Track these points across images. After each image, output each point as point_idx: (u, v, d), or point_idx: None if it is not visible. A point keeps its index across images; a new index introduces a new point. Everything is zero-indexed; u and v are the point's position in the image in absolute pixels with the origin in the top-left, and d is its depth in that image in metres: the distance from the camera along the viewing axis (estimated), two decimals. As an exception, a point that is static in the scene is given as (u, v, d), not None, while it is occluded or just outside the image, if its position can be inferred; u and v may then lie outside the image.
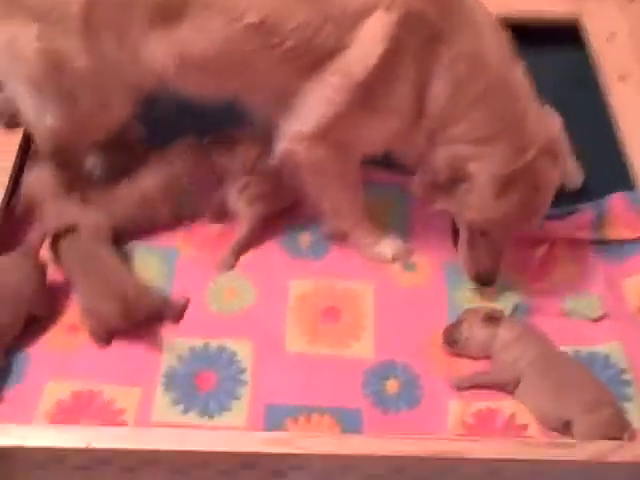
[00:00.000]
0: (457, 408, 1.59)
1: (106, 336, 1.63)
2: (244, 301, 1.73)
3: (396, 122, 1.63)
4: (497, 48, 1.61)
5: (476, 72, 1.57)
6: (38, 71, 1.61)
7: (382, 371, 1.64)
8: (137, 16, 1.54)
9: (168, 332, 1.66)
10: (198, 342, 1.65)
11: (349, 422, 1.55)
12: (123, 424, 1.52)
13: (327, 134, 1.61)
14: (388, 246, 1.82)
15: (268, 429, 1.53)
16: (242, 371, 1.61)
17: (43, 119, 1.70)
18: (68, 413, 1.53)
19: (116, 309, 1.62)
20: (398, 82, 1.57)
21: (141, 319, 1.64)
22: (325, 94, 1.58)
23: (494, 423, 1.58)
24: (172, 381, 1.59)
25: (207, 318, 1.69)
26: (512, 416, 1.58)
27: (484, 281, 1.73)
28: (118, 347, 1.63)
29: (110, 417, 1.53)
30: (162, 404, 1.56)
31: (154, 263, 1.77)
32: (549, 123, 1.67)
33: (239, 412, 1.56)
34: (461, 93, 1.58)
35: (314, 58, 1.55)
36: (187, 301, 1.70)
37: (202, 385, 1.59)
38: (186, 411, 1.55)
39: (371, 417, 1.57)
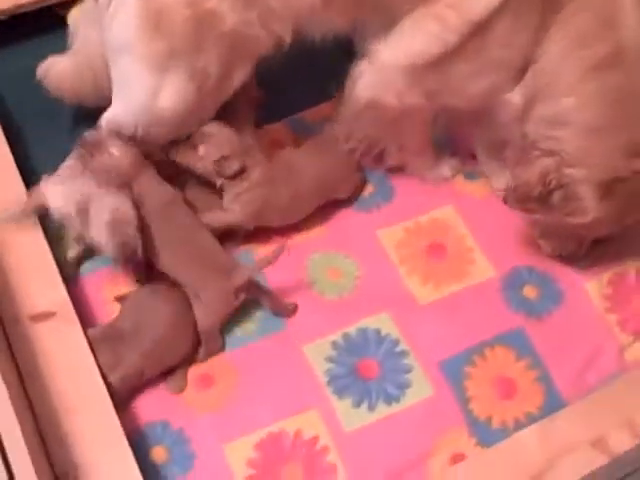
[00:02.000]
0: (592, 285, 1.63)
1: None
2: (351, 274, 1.62)
3: (502, 75, 1.46)
4: (633, 8, 1.36)
5: (603, 32, 1.36)
6: (184, 41, 1.43)
7: (514, 282, 1.63)
8: None
9: (300, 338, 1.54)
10: (336, 335, 1.54)
11: (519, 343, 1.55)
12: (326, 450, 1.42)
13: (421, 78, 1.47)
14: (444, 165, 1.75)
15: (454, 387, 1.49)
16: (396, 343, 1.54)
17: (155, 101, 1.49)
18: (269, 467, 1.40)
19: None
20: (519, 29, 1.39)
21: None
22: (433, 29, 1.40)
23: (627, 284, 1.64)
24: (338, 384, 1.49)
25: (329, 308, 1.58)
26: (638, 273, 1.66)
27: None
28: (262, 377, 1.49)
29: (311, 449, 1.42)
30: (346, 412, 1.46)
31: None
32: None
33: (420, 383, 1.49)
34: (577, 53, 1.38)
35: None
36: (295, 307, 1.58)
37: (368, 374, 1.51)
38: (372, 407, 1.47)
39: (533, 328, 1.57)
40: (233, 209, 1.61)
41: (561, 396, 1.50)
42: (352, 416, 1.46)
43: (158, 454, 1.41)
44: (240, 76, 1.52)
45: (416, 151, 1.70)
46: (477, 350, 1.54)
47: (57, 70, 1.65)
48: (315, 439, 1.43)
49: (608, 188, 1.38)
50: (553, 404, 1.49)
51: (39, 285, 1.44)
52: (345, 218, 1.70)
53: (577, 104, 1.39)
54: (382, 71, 1.50)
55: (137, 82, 1.48)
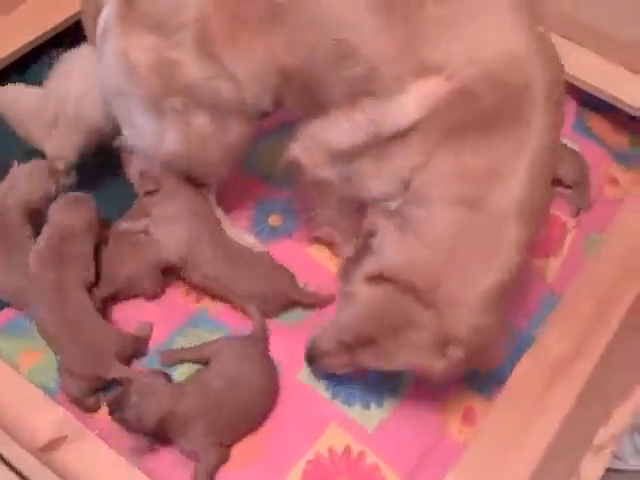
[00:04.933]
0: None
1: None
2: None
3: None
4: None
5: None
6: (152, 85, 1.52)
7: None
8: (249, 19, 1.46)
9: (291, 369, 1.59)
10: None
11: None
12: (363, 454, 1.49)
13: (333, 160, 1.52)
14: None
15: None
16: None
17: (161, 143, 1.60)
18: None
19: None
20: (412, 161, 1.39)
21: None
22: (347, 125, 1.46)
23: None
24: (342, 395, 1.56)
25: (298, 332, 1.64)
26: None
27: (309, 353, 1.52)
28: (275, 417, 1.53)
29: (349, 459, 1.49)
30: (362, 416, 1.54)
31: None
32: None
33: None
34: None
35: (363, 90, 1.42)
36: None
37: (363, 375, 1.57)
38: (379, 404, 1.55)
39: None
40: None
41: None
42: (368, 417, 1.55)
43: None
44: (242, 130, 1.58)
45: (343, 234, 1.72)
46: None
47: (19, 98, 1.74)
48: (348, 449, 1.51)
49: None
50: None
51: (31, 415, 1.35)
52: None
53: None
54: (306, 140, 1.56)
55: (138, 130, 1.59)
